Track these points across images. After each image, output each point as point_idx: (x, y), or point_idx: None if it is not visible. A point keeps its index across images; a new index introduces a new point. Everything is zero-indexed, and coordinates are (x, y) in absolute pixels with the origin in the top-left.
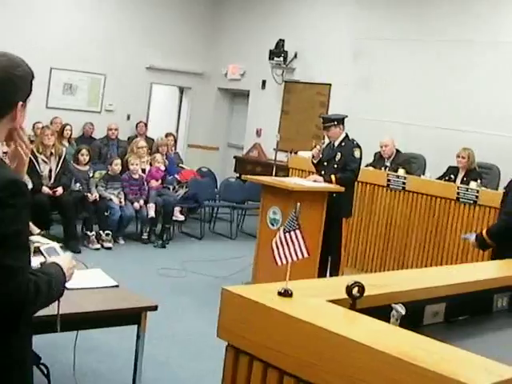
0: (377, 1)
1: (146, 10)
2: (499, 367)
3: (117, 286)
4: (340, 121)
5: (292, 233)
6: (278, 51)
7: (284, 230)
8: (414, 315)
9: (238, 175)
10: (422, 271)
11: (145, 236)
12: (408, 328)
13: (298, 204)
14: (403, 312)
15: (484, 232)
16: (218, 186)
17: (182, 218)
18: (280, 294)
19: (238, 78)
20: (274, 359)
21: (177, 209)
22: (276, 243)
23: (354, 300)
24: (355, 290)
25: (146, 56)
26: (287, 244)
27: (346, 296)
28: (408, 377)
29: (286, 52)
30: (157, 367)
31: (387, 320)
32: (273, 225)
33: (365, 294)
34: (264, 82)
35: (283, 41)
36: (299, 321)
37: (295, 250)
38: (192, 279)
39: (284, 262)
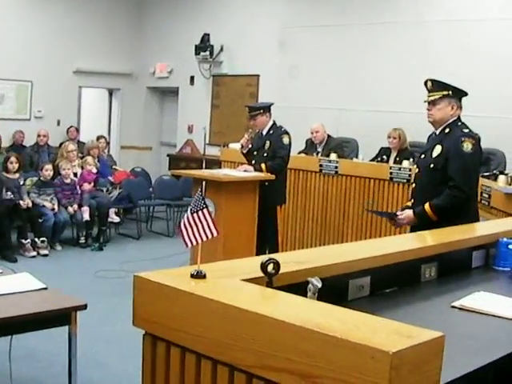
0: None
1: (68, 13)
2: (414, 330)
3: (45, 289)
4: (266, 109)
5: (200, 212)
6: (204, 46)
7: (191, 210)
8: (338, 290)
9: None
10: (346, 245)
11: (82, 240)
12: (332, 304)
13: (204, 182)
14: (319, 285)
15: (427, 207)
16: (153, 185)
17: (117, 219)
18: (193, 276)
19: (166, 76)
20: (190, 343)
21: (112, 210)
22: (184, 224)
23: (270, 277)
24: (270, 267)
25: (73, 59)
26: (196, 224)
27: (261, 274)
28: (320, 347)
29: (212, 46)
30: (97, 368)
31: (306, 296)
32: None
33: (282, 271)
34: (192, 78)
35: (208, 35)
36: (213, 301)
37: (204, 229)
38: (130, 280)
39: (194, 242)
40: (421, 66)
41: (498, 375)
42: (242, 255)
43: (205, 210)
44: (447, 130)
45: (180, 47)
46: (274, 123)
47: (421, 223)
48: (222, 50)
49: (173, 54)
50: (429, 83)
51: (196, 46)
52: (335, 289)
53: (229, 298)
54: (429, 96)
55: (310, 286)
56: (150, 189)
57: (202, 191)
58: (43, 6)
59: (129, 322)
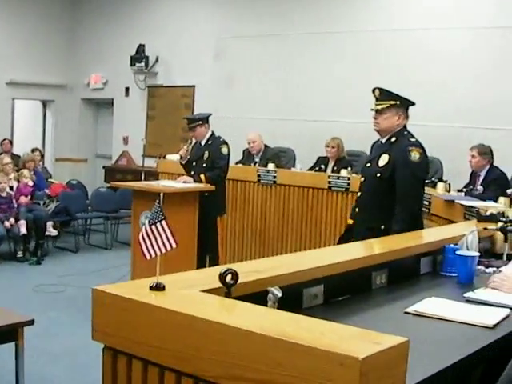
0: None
1: (1, 24)
2: (379, 336)
3: None
4: (205, 120)
5: (158, 224)
6: (139, 56)
7: (149, 222)
8: (293, 299)
9: (108, 185)
10: (299, 255)
11: (19, 254)
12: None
13: (162, 194)
14: (279, 294)
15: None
16: (89, 198)
17: (55, 232)
18: (152, 288)
19: (101, 87)
20: (153, 356)
21: (49, 224)
22: (143, 236)
23: (229, 288)
24: (229, 278)
25: (6, 71)
26: (154, 236)
27: (220, 285)
28: (290, 356)
29: (147, 57)
30: None
31: (265, 305)
32: None
33: (240, 281)
34: (127, 89)
35: (143, 46)
36: (173, 313)
37: (163, 241)
38: (70, 293)
39: (153, 254)
40: (357, 76)
41: (456, 377)
42: (182, 266)
43: (163, 222)
44: (393, 139)
45: (115, 58)
46: (213, 134)
47: None
48: (157, 60)
49: (107, 65)
50: (376, 91)
51: (131, 57)
52: (291, 298)
53: (191, 309)
54: (376, 105)
55: (270, 295)
56: (87, 201)
57: (160, 203)
58: None
59: (73, 336)
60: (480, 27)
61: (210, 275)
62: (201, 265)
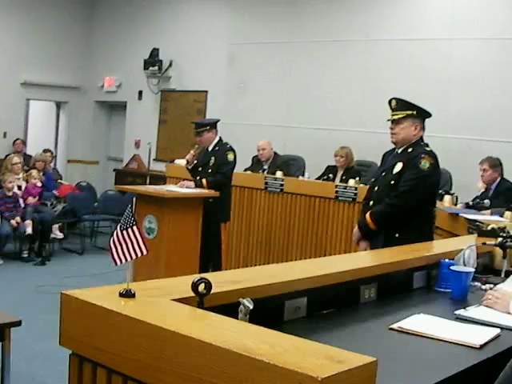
0: (248, 6)
1: (17, 24)
2: (345, 355)
3: None
4: (212, 125)
5: (129, 230)
6: (153, 60)
7: (120, 227)
8: (273, 311)
9: None
10: (284, 265)
11: (25, 254)
12: (266, 325)
13: (134, 199)
14: (251, 306)
15: (368, 215)
16: (98, 200)
17: (60, 235)
18: (121, 295)
19: (115, 90)
20: (117, 365)
21: (55, 226)
22: (114, 242)
23: (201, 297)
24: (201, 287)
25: (21, 71)
26: (125, 242)
27: (193, 294)
28: (248, 372)
29: (161, 61)
30: None
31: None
32: (149, 234)
33: (214, 291)
34: (140, 93)
35: (157, 50)
36: (140, 322)
37: (134, 247)
38: None
39: (123, 261)
40: (369, 85)
41: None
42: (184, 273)
43: (134, 228)
44: (410, 150)
45: (129, 61)
46: (220, 139)
47: (364, 234)
48: (170, 65)
49: (121, 68)
50: (393, 102)
51: (145, 61)
52: (270, 310)
53: (156, 318)
54: (392, 115)
55: (241, 307)
56: (95, 203)
57: (132, 208)
58: None
59: None
60: (492, 38)
61: (184, 283)
62: (203, 273)
